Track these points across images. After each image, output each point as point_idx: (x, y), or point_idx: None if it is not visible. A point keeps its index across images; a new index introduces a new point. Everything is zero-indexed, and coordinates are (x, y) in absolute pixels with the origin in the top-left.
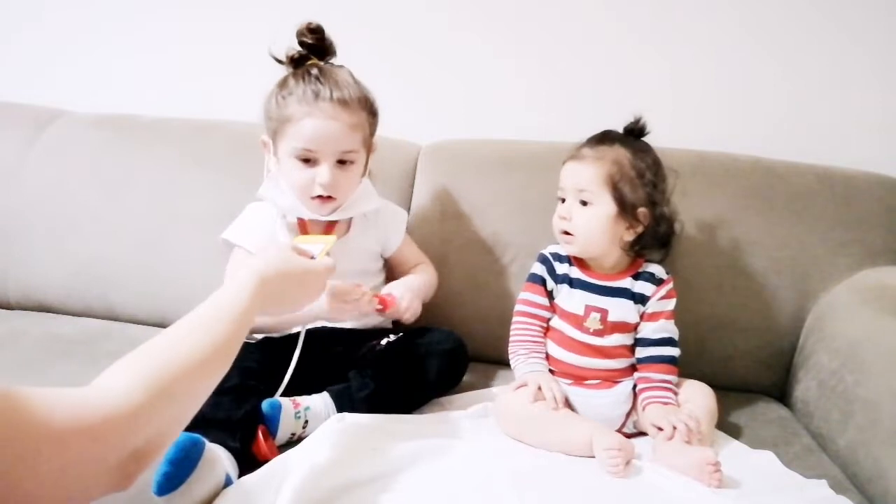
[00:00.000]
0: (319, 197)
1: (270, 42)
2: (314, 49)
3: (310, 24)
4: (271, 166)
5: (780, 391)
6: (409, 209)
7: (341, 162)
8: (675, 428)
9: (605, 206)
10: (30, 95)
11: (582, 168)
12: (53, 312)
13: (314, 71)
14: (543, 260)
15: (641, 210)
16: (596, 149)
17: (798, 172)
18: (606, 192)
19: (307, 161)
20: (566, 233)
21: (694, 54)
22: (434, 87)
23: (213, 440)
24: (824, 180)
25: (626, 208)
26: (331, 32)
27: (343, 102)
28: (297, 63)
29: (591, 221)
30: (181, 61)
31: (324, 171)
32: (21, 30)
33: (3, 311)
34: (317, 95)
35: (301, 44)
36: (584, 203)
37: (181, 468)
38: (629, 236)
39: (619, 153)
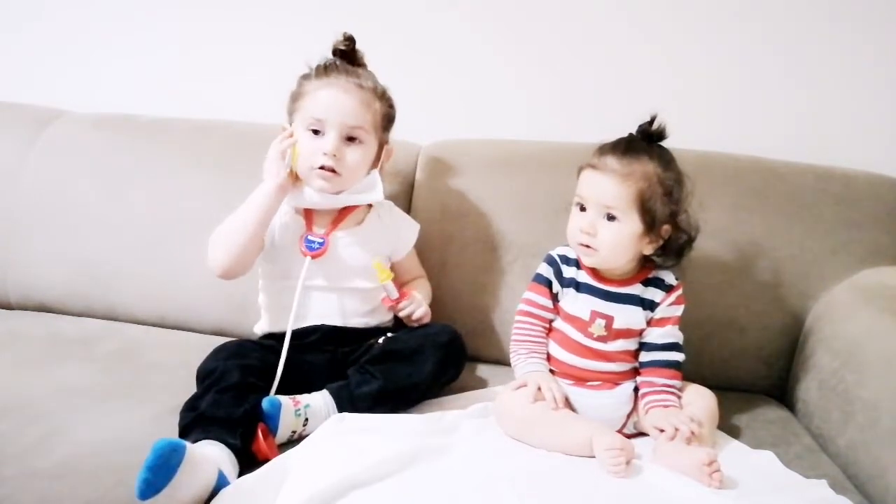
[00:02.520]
0: (323, 168)
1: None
2: (345, 56)
3: (345, 33)
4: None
5: (780, 391)
6: (409, 209)
7: (349, 139)
8: (676, 430)
9: (633, 224)
10: (30, 95)
11: (608, 182)
12: (53, 312)
13: (338, 62)
14: (551, 262)
15: (665, 227)
16: (622, 161)
17: (798, 172)
18: (635, 210)
19: (316, 132)
20: (586, 245)
21: (694, 55)
22: (434, 87)
23: (213, 438)
24: (824, 180)
25: (652, 227)
26: (330, 34)
27: (357, 84)
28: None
29: (616, 238)
30: (181, 61)
31: (329, 139)
32: (21, 30)
33: (3, 311)
34: (333, 73)
35: (334, 52)
36: (611, 218)
37: (159, 475)
38: (649, 250)
39: (648, 169)
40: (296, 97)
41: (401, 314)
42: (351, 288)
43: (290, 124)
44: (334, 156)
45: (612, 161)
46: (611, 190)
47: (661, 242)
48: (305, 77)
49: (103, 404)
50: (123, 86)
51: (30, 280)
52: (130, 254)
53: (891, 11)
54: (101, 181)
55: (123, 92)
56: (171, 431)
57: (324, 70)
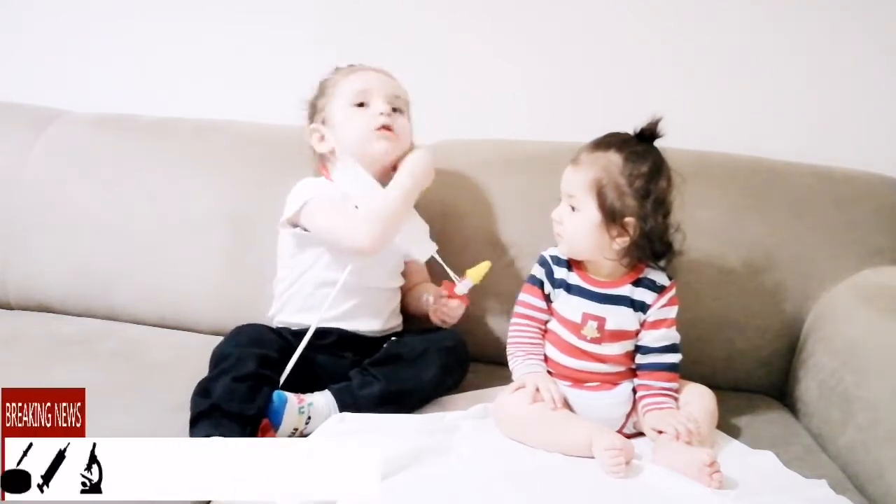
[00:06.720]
0: (382, 128)
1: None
2: None
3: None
4: (324, 148)
5: (780, 391)
6: None
7: (393, 110)
8: (678, 432)
9: (590, 212)
10: (30, 95)
11: (571, 171)
12: (53, 312)
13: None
14: (543, 262)
15: (629, 220)
16: (592, 153)
17: (798, 172)
18: (591, 198)
19: (361, 105)
20: (557, 234)
21: (695, 54)
22: (434, 87)
23: (225, 434)
24: (824, 180)
25: (610, 216)
26: (329, 34)
27: (383, 71)
28: None
29: (576, 227)
30: (181, 61)
31: (379, 102)
32: (21, 30)
33: (3, 311)
34: (360, 66)
35: None
36: (574, 208)
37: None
38: (617, 245)
39: (611, 158)
40: (323, 90)
41: (441, 311)
42: (376, 287)
43: (321, 118)
44: (389, 115)
45: (583, 154)
46: (571, 178)
47: (627, 238)
48: (329, 76)
49: (103, 404)
50: (123, 86)
51: (30, 280)
52: (130, 254)
53: (891, 11)
54: (101, 181)
55: (123, 92)
56: (171, 431)
57: (348, 66)
